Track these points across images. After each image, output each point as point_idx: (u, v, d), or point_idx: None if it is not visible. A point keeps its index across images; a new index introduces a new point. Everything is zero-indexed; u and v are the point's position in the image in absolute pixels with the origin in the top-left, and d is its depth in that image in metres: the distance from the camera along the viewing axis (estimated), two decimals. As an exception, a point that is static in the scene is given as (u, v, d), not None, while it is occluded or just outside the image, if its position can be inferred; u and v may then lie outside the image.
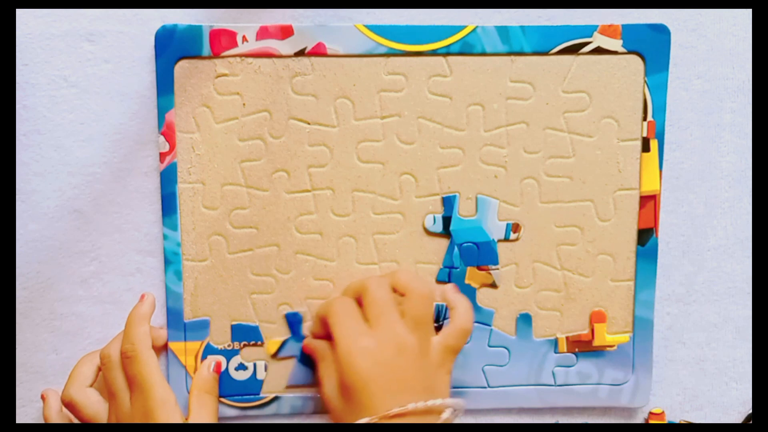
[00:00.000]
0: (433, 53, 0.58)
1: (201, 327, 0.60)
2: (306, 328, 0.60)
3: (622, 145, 0.60)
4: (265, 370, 0.61)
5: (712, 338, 0.63)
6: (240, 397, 0.61)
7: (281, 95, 0.58)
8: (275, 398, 0.61)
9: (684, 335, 0.63)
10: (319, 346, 0.58)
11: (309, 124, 0.59)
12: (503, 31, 0.58)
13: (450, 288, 0.59)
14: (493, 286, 0.61)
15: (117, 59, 0.58)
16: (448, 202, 0.60)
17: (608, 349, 0.62)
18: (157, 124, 0.58)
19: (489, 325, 0.61)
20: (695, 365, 0.64)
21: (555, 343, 0.62)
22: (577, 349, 0.62)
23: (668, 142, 0.60)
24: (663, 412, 0.63)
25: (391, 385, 0.53)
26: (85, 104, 0.58)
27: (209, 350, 0.60)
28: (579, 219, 0.60)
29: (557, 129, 0.59)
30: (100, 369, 0.59)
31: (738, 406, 0.64)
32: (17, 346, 0.60)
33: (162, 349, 0.60)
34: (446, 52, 0.58)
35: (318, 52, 0.58)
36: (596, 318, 0.61)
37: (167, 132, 0.58)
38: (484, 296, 0.61)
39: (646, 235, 0.60)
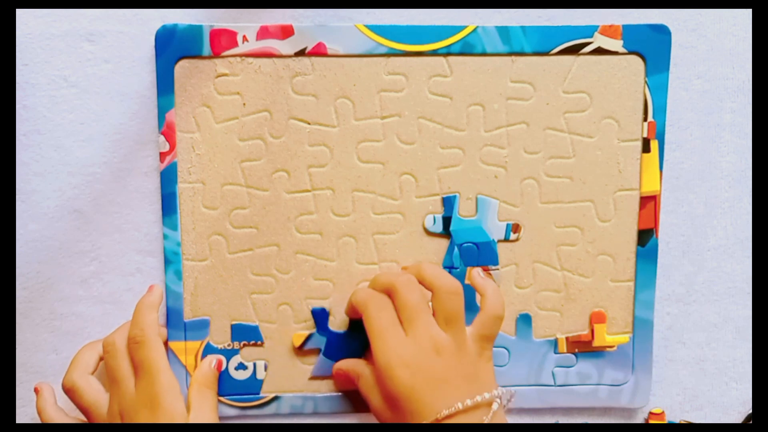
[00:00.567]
0: (434, 53, 0.58)
1: (201, 326, 0.60)
2: (332, 322, 0.61)
3: (623, 146, 0.59)
4: (265, 369, 0.61)
5: (712, 338, 0.63)
6: (240, 396, 0.61)
7: (281, 95, 0.58)
8: (275, 398, 0.61)
9: (684, 335, 0.63)
10: (351, 367, 0.59)
11: (309, 124, 0.59)
12: (504, 32, 0.58)
13: (476, 273, 0.60)
14: (493, 286, 0.61)
15: (117, 59, 0.58)
16: (448, 203, 0.60)
17: (608, 349, 0.62)
18: (158, 123, 0.58)
19: (489, 325, 0.61)
20: (695, 365, 0.64)
21: (555, 343, 0.62)
22: (576, 350, 0.62)
23: (668, 141, 0.60)
24: (663, 412, 0.63)
25: (434, 389, 0.53)
26: (85, 104, 0.58)
27: (209, 350, 0.60)
28: (579, 219, 0.60)
29: (557, 129, 0.59)
30: (101, 359, 0.59)
31: (738, 406, 0.64)
32: (17, 346, 0.60)
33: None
34: (447, 52, 0.58)
35: (318, 52, 0.58)
36: (596, 318, 0.61)
37: (167, 132, 0.58)
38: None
39: (646, 236, 0.60)
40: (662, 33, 0.59)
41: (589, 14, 0.59)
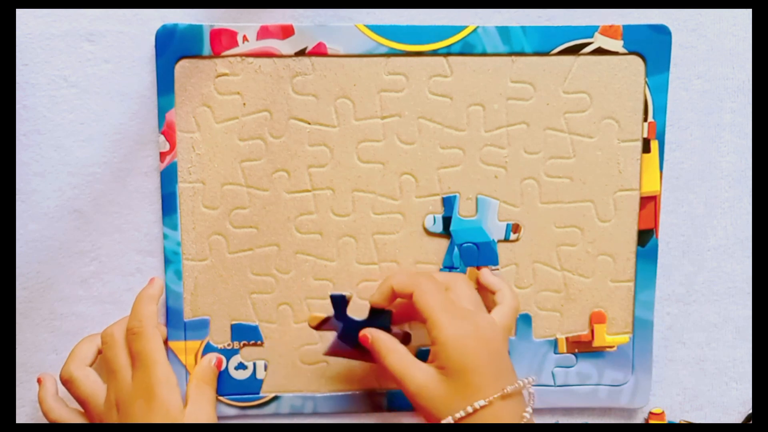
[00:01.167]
0: (434, 53, 0.58)
1: (201, 326, 0.60)
2: (350, 310, 0.59)
3: (623, 146, 0.59)
4: (265, 369, 0.61)
5: (712, 338, 0.63)
6: (239, 396, 0.61)
7: (281, 95, 0.58)
8: (275, 398, 0.61)
9: (684, 335, 0.63)
10: (385, 340, 0.56)
11: (309, 124, 0.59)
12: (504, 32, 0.58)
13: (487, 272, 0.60)
14: (493, 286, 0.61)
15: (117, 59, 0.58)
16: (448, 203, 0.60)
17: (608, 349, 0.62)
18: (158, 123, 0.58)
19: (489, 325, 0.61)
20: (695, 365, 0.64)
21: (555, 343, 0.62)
22: (576, 350, 0.62)
23: (668, 141, 0.60)
24: (663, 412, 0.63)
25: (497, 366, 0.53)
26: (85, 104, 0.58)
27: (209, 349, 0.60)
28: (579, 219, 0.60)
29: (558, 129, 0.59)
30: (99, 352, 0.59)
31: (738, 406, 0.64)
32: (17, 346, 0.60)
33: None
34: (447, 52, 0.58)
35: (318, 52, 0.58)
36: (596, 318, 0.61)
37: (167, 132, 0.58)
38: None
39: (646, 236, 0.60)
40: (662, 33, 0.59)
41: (590, 14, 0.59)
